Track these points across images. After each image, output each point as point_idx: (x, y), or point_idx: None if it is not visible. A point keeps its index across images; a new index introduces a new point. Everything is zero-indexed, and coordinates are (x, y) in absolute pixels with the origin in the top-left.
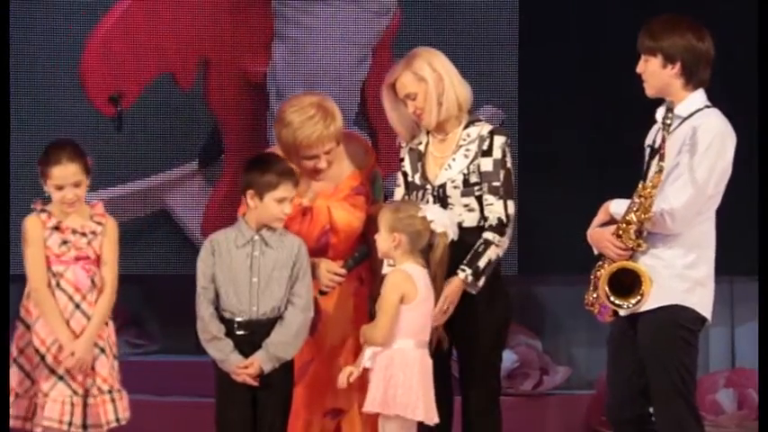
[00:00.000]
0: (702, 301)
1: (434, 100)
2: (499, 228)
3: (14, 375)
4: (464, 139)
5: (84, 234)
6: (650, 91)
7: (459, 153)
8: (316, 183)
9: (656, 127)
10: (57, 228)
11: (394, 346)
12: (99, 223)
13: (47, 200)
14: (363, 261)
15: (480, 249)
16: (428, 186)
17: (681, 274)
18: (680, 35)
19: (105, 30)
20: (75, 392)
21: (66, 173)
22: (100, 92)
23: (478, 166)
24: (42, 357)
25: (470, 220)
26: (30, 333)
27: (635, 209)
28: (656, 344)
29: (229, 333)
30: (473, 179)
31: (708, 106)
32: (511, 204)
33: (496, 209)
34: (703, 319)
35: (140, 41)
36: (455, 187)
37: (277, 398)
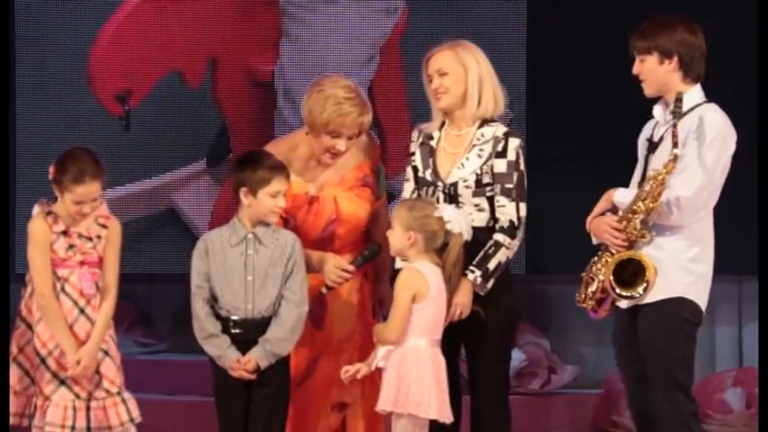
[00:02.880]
0: (701, 294)
1: (462, 89)
2: (510, 230)
3: (13, 373)
4: (478, 139)
5: (89, 238)
6: (649, 90)
7: (472, 152)
8: (322, 173)
9: (651, 122)
10: (64, 232)
11: (406, 344)
12: (103, 226)
13: (52, 200)
14: (372, 260)
15: (491, 251)
16: (439, 183)
17: (686, 267)
18: (672, 30)
19: (114, 28)
20: (77, 396)
21: (88, 191)
22: (108, 90)
23: (492, 167)
24: (43, 360)
25: (480, 220)
26: (30, 332)
27: (643, 197)
28: (660, 336)
29: (225, 331)
30: (485, 180)
31: (706, 101)
32: (523, 207)
33: (508, 211)
34: (702, 312)
35: (149, 40)
36: (467, 187)
37: (273, 393)
